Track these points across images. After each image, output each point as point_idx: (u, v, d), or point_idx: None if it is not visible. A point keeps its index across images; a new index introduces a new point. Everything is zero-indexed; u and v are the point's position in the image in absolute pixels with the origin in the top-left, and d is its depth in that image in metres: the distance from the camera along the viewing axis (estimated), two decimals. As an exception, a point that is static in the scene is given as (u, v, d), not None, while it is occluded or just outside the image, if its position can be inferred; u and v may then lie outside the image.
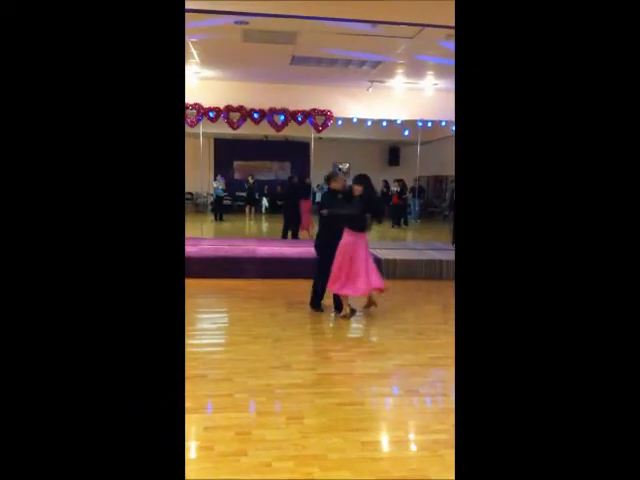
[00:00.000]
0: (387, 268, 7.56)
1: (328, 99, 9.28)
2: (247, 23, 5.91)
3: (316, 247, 5.74)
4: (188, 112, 8.84)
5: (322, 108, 9.21)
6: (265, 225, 14.95)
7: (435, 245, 9.60)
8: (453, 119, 9.05)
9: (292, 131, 9.64)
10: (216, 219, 13.84)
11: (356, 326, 5.40)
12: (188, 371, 3.47)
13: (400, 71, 8.27)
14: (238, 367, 3.96)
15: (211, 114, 9.01)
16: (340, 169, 14.57)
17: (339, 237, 5.36)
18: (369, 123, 9.70)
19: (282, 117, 9.19)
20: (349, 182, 5.74)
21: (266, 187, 15.87)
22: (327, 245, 5.47)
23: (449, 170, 13.54)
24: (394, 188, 13.80)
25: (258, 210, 15.41)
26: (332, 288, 5.43)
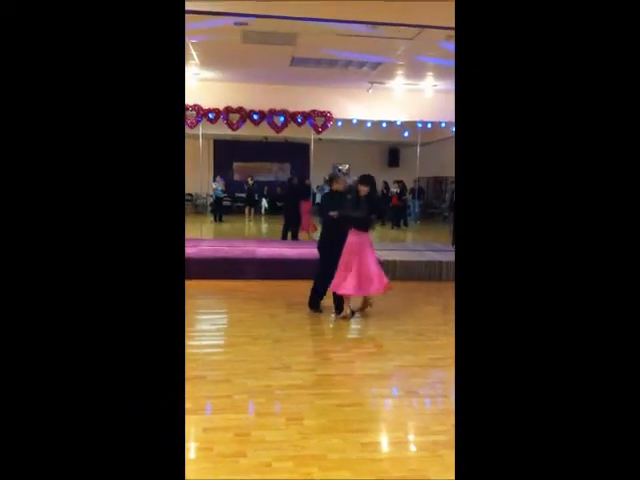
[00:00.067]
0: (387, 269, 7.52)
1: (328, 100, 9.28)
2: (247, 24, 5.91)
3: (319, 248, 5.70)
4: (188, 113, 8.84)
5: (322, 109, 9.21)
6: (265, 226, 14.95)
7: (435, 246, 9.60)
8: (453, 120, 9.05)
9: (292, 132, 9.63)
10: (215, 220, 13.84)
11: (356, 327, 5.39)
12: (187, 372, 3.47)
13: (400, 72, 8.27)
14: (237, 368, 3.96)
15: (211, 115, 9.01)
16: (340, 170, 14.56)
17: (343, 238, 5.37)
18: (369, 124, 9.70)
19: (282, 118, 9.19)
20: (348, 182, 5.75)
21: (266, 188, 15.87)
22: (331, 246, 5.45)
23: (449, 171, 13.54)
24: (394, 189, 13.80)
25: (258, 211, 15.41)
26: (340, 289, 5.38)
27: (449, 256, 8.07)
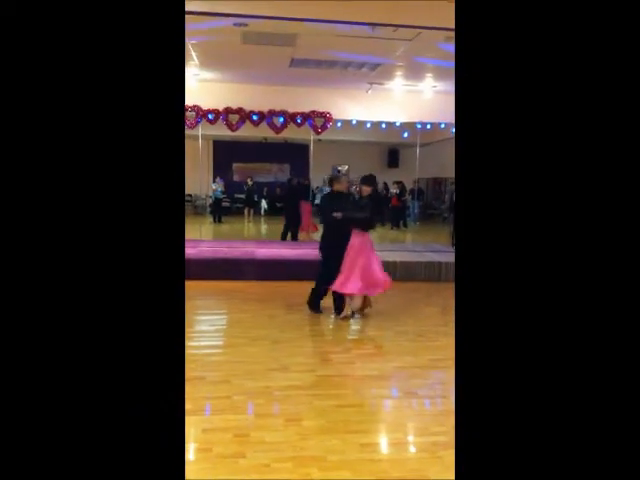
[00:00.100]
0: (387, 270, 7.47)
1: (327, 101, 9.28)
2: (246, 25, 5.91)
3: (321, 249, 5.67)
4: (187, 114, 8.83)
5: (321, 110, 9.21)
6: (264, 227, 14.95)
7: (434, 247, 9.60)
8: (452, 121, 9.08)
9: (291, 133, 9.63)
10: (215, 221, 13.84)
11: (355, 328, 5.39)
12: (186, 373, 3.45)
13: (399, 73, 8.28)
14: (236, 369, 3.96)
15: (210, 116, 9.01)
16: (339, 171, 14.56)
17: (346, 238, 5.37)
18: (368, 125, 9.70)
19: (281, 119, 9.18)
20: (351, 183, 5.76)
21: (265, 189, 15.87)
22: (333, 246, 5.45)
23: (448, 172, 13.53)
24: (393, 190, 13.80)
25: (257, 212, 15.41)
26: (344, 289, 5.37)
27: (449, 257, 8.07)
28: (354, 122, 9.54)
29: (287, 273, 7.49)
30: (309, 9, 5.26)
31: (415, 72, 8.15)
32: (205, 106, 8.95)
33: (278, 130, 9.31)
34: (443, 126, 9.51)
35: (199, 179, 11.60)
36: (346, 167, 15.49)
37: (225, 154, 15.55)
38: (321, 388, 3.69)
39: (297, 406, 3.33)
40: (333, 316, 5.59)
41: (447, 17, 4.90)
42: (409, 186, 14.15)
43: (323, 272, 5.57)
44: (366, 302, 5.68)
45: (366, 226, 5.40)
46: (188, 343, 4.47)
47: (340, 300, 5.55)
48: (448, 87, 8.68)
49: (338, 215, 5.30)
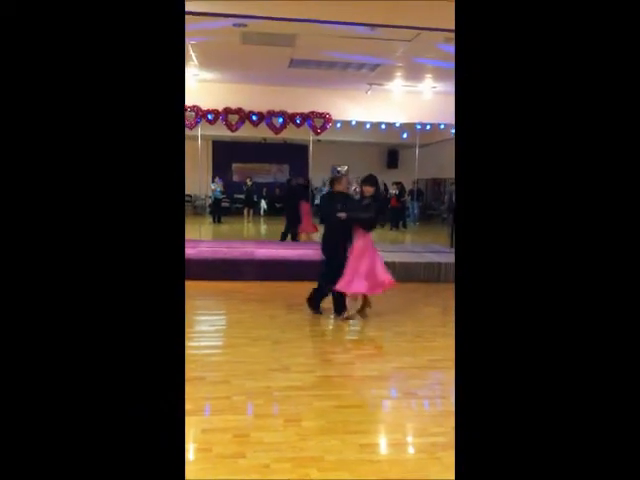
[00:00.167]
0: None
1: (327, 102, 9.28)
2: (246, 25, 5.91)
3: (323, 249, 5.65)
4: (186, 114, 8.84)
5: (321, 111, 9.21)
6: (263, 227, 14.95)
7: (434, 248, 9.60)
8: (452, 122, 9.09)
9: (291, 133, 9.63)
10: (214, 221, 13.83)
11: (355, 328, 5.39)
12: (186, 373, 3.46)
13: (399, 74, 8.28)
14: (236, 369, 3.96)
15: (209, 116, 9.01)
16: (339, 172, 14.56)
17: (348, 238, 5.38)
18: (368, 126, 9.70)
19: (280, 119, 9.19)
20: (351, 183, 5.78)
21: (264, 189, 15.87)
22: (335, 246, 5.45)
23: (448, 173, 13.53)
24: (393, 191, 13.80)
25: (256, 212, 15.41)
26: (350, 288, 5.38)
27: (448, 257, 8.08)
28: (353, 123, 9.54)
29: (287, 273, 7.49)
30: (308, 9, 5.27)
31: (415, 73, 8.15)
32: (204, 106, 8.95)
33: (277, 130, 9.31)
34: (442, 127, 9.51)
35: (198, 179, 11.59)
36: (345, 167, 15.49)
37: (224, 154, 15.54)
38: (321, 389, 3.69)
39: (297, 407, 3.33)
40: (333, 317, 5.59)
41: (446, 18, 4.90)
42: (408, 187, 14.15)
43: (326, 272, 5.55)
44: (365, 302, 5.69)
45: (370, 226, 5.43)
46: (188, 343, 4.47)
47: (340, 301, 5.55)
48: (448, 88, 8.69)
49: (343, 215, 5.29)
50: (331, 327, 5.46)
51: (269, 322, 5.41)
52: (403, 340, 4.95)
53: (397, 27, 5.71)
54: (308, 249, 8.53)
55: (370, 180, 5.49)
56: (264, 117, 9.13)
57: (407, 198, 14.20)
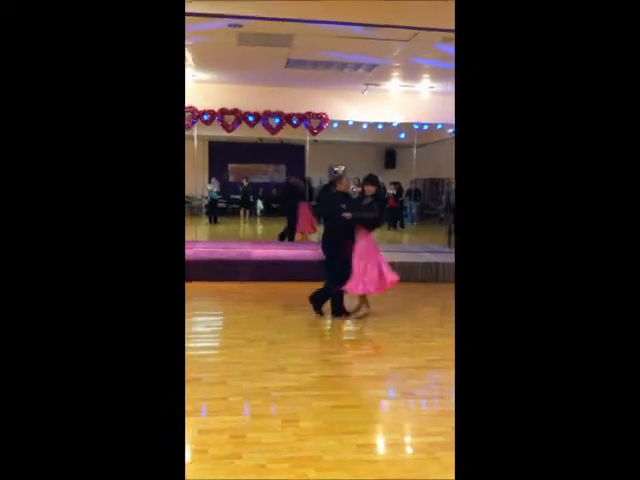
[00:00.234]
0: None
1: (323, 102, 9.27)
2: (242, 26, 5.90)
3: (324, 248, 5.63)
4: (183, 115, 8.81)
5: (317, 111, 9.20)
6: (260, 228, 14.93)
7: (431, 248, 9.60)
8: (449, 122, 9.11)
9: (287, 134, 9.61)
10: (210, 222, 13.80)
11: (352, 328, 5.38)
12: (183, 374, 3.45)
13: (396, 74, 8.27)
14: (233, 370, 3.94)
15: (205, 117, 8.99)
16: (336, 172, 14.55)
17: (349, 237, 5.38)
18: (365, 126, 9.69)
19: (277, 120, 9.17)
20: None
21: (261, 190, 15.84)
22: (336, 246, 5.44)
23: (445, 173, 13.54)
24: (390, 191, 13.80)
25: (253, 213, 15.38)
26: (356, 289, 5.41)
27: (446, 257, 8.08)
28: (350, 123, 9.53)
29: (283, 274, 7.47)
30: (305, 10, 5.26)
31: (412, 73, 8.15)
32: (200, 107, 8.93)
33: (274, 131, 9.29)
34: (440, 127, 9.51)
35: (195, 180, 11.54)
36: (343, 168, 15.49)
37: (221, 155, 15.50)
38: (318, 389, 3.67)
39: (294, 407, 3.31)
40: (330, 317, 5.58)
41: (443, 18, 4.91)
42: (406, 187, 14.15)
43: (331, 274, 5.53)
44: (362, 302, 5.69)
45: (373, 226, 5.48)
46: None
47: (338, 301, 5.53)
48: (445, 88, 8.69)
49: (348, 215, 5.30)
50: (328, 327, 5.44)
51: (265, 323, 5.39)
52: (401, 340, 4.94)
53: (394, 27, 5.70)
54: (304, 249, 8.52)
55: (371, 179, 5.51)
56: (260, 117, 9.12)
57: (405, 198, 14.20)
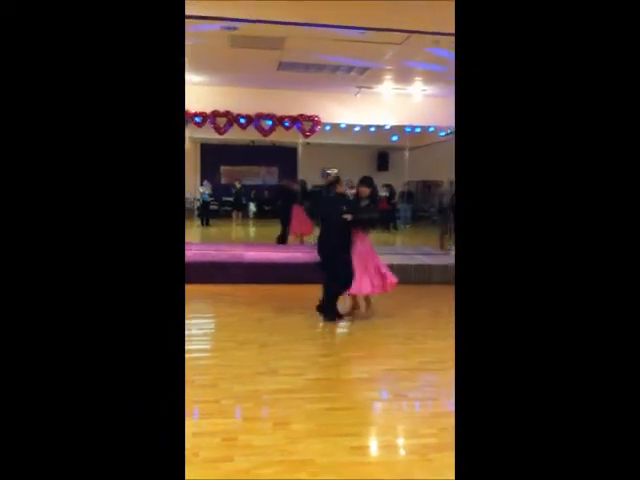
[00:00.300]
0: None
1: (316, 105, 9.27)
2: (234, 29, 5.89)
3: (321, 251, 5.60)
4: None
5: (310, 114, 9.20)
6: (252, 230, 14.90)
7: (424, 250, 9.61)
8: (441, 124, 9.10)
9: (279, 136, 9.62)
10: (202, 224, 13.77)
11: (345, 331, 5.37)
12: (174, 377, 3.42)
13: (388, 77, 8.29)
14: (224, 373, 3.92)
15: (197, 119, 8.97)
16: (328, 174, 14.54)
17: (347, 239, 5.39)
18: (357, 128, 9.71)
19: (269, 122, 9.16)
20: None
21: (253, 192, 15.81)
22: (333, 247, 5.43)
23: (438, 175, 13.59)
24: (383, 193, 13.79)
25: (245, 215, 15.35)
26: (356, 290, 5.45)
27: (439, 259, 8.10)
28: (343, 125, 9.54)
29: (276, 276, 7.45)
30: (297, 13, 5.26)
31: (404, 76, 8.17)
32: (193, 109, 8.91)
33: (266, 133, 9.29)
34: (432, 129, 9.55)
35: (186, 182, 11.53)
36: (335, 170, 15.46)
37: (213, 157, 15.48)
38: (310, 391, 3.66)
39: (286, 410, 3.30)
40: (322, 319, 5.56)
41: (436, 21, 4.92)
42: (399, 189, 14.17)
43: (330, 277, 5.52)
44: (355, 304, 5.69)
45: (372, 227, 5.58)
46: (176, 347, 4.42)
47: (331, 306, 5.52)
48: (437, 91, 8.73)
49: (349, 217, 5.31)
50: (319, 330, 5.43)
51: (257, 325, 5.38)
52: (394, 342, 4.94)
53: (386, 30, 5.71)
54: (297, 252, 8.51)
55: (366, 181, 5.56)
56: (252, 120, 9.11)
57: (397, 200, 14.21)
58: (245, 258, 8.06)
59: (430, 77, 8.02)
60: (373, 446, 2.99)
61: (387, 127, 9.67)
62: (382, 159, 15.88)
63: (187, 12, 5.07)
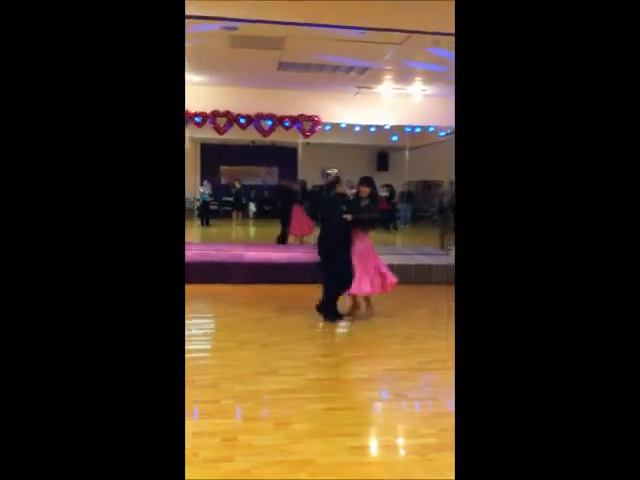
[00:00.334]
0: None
1: (316, 105, 9.27)
2: (234, 29, 5.89)
3: (321, 251, 5.61)
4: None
5: (309, 114, 9.20)
6: (252, 230, 14.90)
7: (424, 250, 9.60)
8: (441, 124, 9.09)
9: (279, 136, 9.61)
10: (202, 224, 13.77)
11: (345, 331, 5.37)
12: (174, 377, 3.42)
13: (388, 77, 8.29)
14: (225, 373, 3.92)
15: (197, 119, 8.97)
16: (328, 174, 14.53)
17: (347, 239, 5.39)
18: (357, 128, 9.70)
19: (269, 122, 9.16)
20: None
21: (253, 192, 15.81)
22: (333, 247, 5.44)
23: (437, 175, 13.58)
24: (383, 193, 13.79)
25: (245, 215, 15.35)
26: (356, 290, 5.45)
27: (439, 259, 8.09)
28: (343, 125, 9.54)
29: (276, 276, 7.45)
30: (297, 13, 5.26)
31: (404, 76, 8.17)
32: (192, 109, 8.91)
33: (266, 133, 9.28)
34: (432, 129, 9.54)
35: (186, 182, 11.53)
36: (335, 170, 15.46)
37: (213, 157, 15.47)
38: (310, 391, 3.66)
39: (286, 410, 3.30)
40: (322, 319, 5.56)
41: (436, 21, 4.92)
42: (399, 189, 14.16)
43: (330, 277, 5.52)
44: (355, 304, 5.69)
45: (372, 227, 5.58)
46: (176, 347, 4.42)
47: (332, 306, 5.52)
48: (437, 91, 8.72)
49: (349, 217, 5.32)
50: (320, 330, 5.43)
51: (258, 325, 5.38)
52: (394, 342, 4.94)
53: (386, 30, 5.71)
54: (297, 252, 8.51)
55: (367, 181, 5.56)
56: (252, 120, 9.11)
57: (397, 200, 14.20)
58: (245, 258, 8.06)
59: (430, 77, 8.02)
60: (373, 446, 2.99)
61: (387, 127, 9.66)
62: (382, 159, 15.87)
63: (187, 12, 5.08)
